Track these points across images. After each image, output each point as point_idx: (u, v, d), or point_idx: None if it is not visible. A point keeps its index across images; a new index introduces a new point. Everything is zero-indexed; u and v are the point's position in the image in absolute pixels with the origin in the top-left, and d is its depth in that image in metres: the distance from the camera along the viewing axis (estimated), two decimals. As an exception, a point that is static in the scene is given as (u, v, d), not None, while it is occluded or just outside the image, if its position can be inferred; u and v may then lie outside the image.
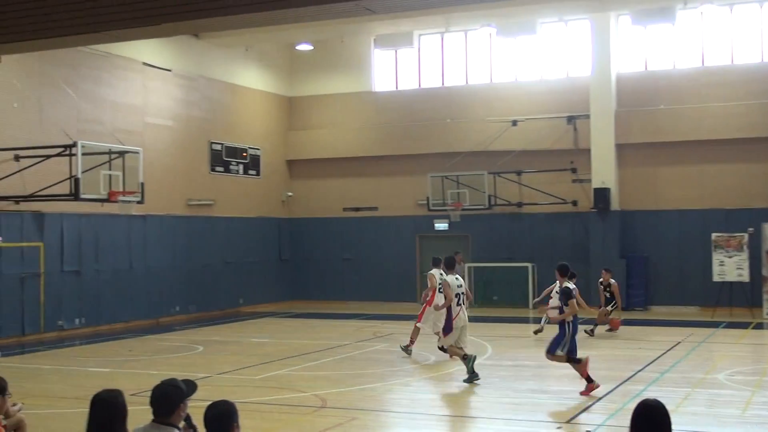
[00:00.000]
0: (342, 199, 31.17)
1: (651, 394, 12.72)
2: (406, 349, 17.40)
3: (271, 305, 29.53)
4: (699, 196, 26.61)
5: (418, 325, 17.31)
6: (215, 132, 28.08)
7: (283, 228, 31.22)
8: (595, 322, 20.67)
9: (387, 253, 29.87)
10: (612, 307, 21.12)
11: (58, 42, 12.82)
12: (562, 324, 13.36)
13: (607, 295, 21.28)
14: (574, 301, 13.18)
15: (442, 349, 15.39)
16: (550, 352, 13.43)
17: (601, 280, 21.55)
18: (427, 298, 16.93)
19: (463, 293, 14.84)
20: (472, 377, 14.15)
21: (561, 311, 13.35)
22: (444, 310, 14.81)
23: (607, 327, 21.02)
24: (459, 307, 14.65)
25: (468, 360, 14.26)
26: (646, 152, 27.21)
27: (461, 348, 14.66)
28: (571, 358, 13.29)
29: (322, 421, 11.64)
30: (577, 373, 15.22)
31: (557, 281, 13.80)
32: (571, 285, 13.56)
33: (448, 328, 14.68)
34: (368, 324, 23.57)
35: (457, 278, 14.90)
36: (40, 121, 21.72)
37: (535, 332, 20.18)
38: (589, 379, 13.12)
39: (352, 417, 11.93)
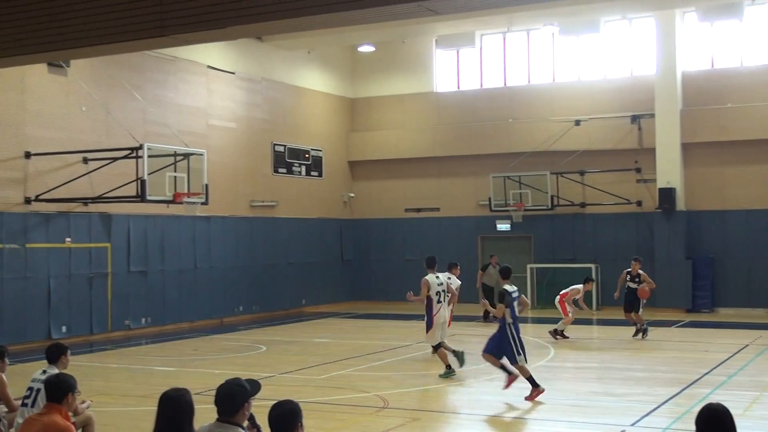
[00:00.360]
0: (403, 200, 31.21)
1: (718, 397, 12.50)
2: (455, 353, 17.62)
3: (333, 306, 29.68)
4: (767, 196, 26.07)
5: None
6: (278, 133, 28.33)
7: (345, 229, 31.36)
8: (641, 326, 20.08)
9: (449, 253, 29.55)
10: (642, 307, 20.26)
11: (125, 46, 13.03)
12: (503, 327, 13.20)
13: (634, 285, 20.24)
14: (503, 306, 13.10)
15: (435, 348, 15.70)
16: (514, 362, 13.17)
17: (629, 270, 20.53)
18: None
19: (443, 291, 15.70)
20: (448, 373, 15.07)
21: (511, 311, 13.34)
22: (426, 308, 15.62)
23: (639, 326, 20.21)
24: (439, 305, 15.55)
25: (457, 355, 15.26)
26: (713, 151, 26.75)
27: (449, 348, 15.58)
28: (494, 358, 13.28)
29: (384, 421, 11.67)
30: (644, 376, 15.06)
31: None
32: (510, 288, 13.39)
33: (429, 324, 15.51)
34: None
35: (437, 277, 15.82)
36: (107, 125, 22.13)
37: (556, 334, 20.08)
38: (509, 373, 13.15)
39: (413, 418, 11.94)
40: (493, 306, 13.79)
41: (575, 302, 20.33)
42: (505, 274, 13.76)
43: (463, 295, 26.38)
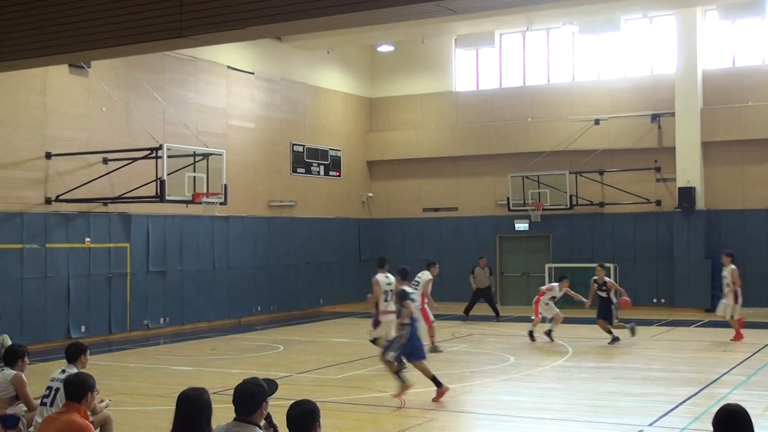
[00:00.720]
0: (422, 200, 31.20)
1: (736, 397, 12.45)
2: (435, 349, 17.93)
3: (351, 305, 29.66)
4: (788, 195, 25.95)
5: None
6: (297, 133, 28.39)
7: (363, 228, 31.38)
8: (614, 336, 19.21)
9: (467, 253, 29.73)
10: (616, 311, 19.29)
11: (145, 47, 13.10)
12: (401, 327, 13.22)
13: (603, 294, 19.39)
14: (408, 302, 13.17)
15: (372, 341, 16.28)
16: (384, 355, 13.27)
17: (595, 278, 19.73)
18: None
19: (391, 291, 15.95)
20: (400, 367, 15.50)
21: (398, 314, 13.34)
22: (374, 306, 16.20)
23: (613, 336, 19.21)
24: (386, 303, 15.95)
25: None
26: (733, 150, 26.60)
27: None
28: (399, 367, 13.14)
29: (400, 421, 11.68)
30: (663, 376, 15.01)
31: None
32: (408, 289, 13.69)
33: (376, 322, 16.10)
34: (447, 325, 23.50)
35: (387, 276, 16.24)
36: (127, 125, 22.25)
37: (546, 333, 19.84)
38: (436, 383, 13.02)
39: (430, 418, 11.94)
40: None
41: (569, 299, 20.41)
42: (404, 275, 14.27)
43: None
